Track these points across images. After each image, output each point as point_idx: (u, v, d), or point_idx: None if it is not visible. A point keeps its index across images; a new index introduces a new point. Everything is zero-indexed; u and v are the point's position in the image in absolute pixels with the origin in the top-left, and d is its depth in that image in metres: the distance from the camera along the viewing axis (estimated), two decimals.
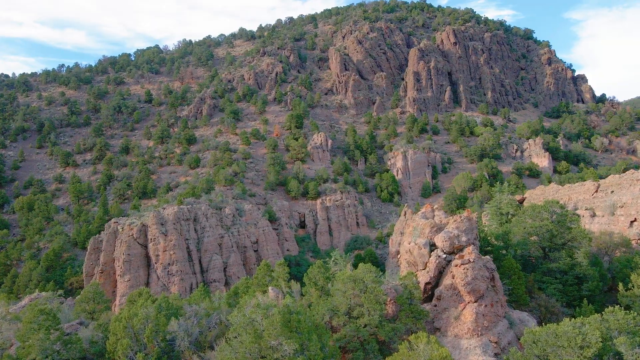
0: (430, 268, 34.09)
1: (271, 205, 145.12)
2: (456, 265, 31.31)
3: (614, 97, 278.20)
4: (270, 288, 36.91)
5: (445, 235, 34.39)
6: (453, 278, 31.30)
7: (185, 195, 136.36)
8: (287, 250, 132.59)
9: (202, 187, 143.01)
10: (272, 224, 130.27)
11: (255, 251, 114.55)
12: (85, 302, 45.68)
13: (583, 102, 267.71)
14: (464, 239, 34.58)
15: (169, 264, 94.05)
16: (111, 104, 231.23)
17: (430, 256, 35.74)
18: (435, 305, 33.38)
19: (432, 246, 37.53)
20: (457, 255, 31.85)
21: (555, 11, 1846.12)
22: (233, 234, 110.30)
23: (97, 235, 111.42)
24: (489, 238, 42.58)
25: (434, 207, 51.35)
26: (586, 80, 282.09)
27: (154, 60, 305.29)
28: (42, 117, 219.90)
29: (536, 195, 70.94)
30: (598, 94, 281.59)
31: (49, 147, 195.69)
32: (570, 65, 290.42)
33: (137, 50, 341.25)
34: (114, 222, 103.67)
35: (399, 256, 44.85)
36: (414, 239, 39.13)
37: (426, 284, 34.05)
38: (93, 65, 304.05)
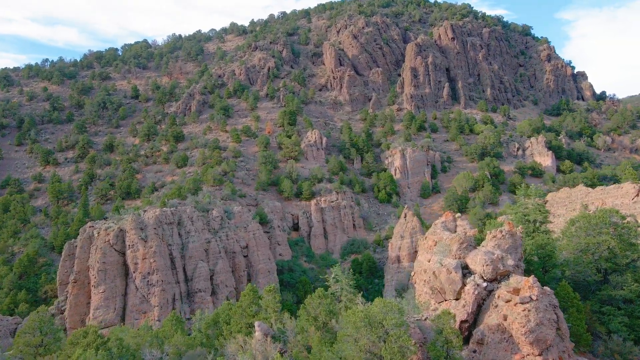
0: (468, 301, 25.92)
1: (262, 206, 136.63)
2: (509, 302, 23.14)
3: (614, 95, 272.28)
4: (256, 324, 28.57)
5: (486, 258, 26.24)
6: (504, 319, 23.12)
7: (170, 196, 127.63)
8: (280, 254, 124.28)
9: (188, 188, 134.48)
10: (263, 226, 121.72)
11: (245, 257, 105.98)
12: (30, 333, 36.93)
13: (583, 100, 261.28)
14: (510, 262, 26.47)
15: (148, 273, 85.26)
16: (95, 100, 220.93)
17: (464, 284, 27.61)
18: (475, 351, 25.24)
19: (464, 269, 29.46)
20: (511, 289, 23.61)
21: (547, 11, 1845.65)
22: (221, 238, 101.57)
23: (73, 239, 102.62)
24: (527, 256, 34.56)
25: (455, 215, 43.25)
26: (586, 78, 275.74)
27: (141, 55, 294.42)
28: (23, 113, 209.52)
29: (560, 198, 63.07)
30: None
31: (29, 145, 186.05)
32: (570, 62, 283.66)
33: (125, 44, 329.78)
34: (90, 226, 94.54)
35: (414, 274, 36.65)
36: (440, 258, 30.92)
37: (462, 322, 25.90)
38: (79, 60, 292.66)
